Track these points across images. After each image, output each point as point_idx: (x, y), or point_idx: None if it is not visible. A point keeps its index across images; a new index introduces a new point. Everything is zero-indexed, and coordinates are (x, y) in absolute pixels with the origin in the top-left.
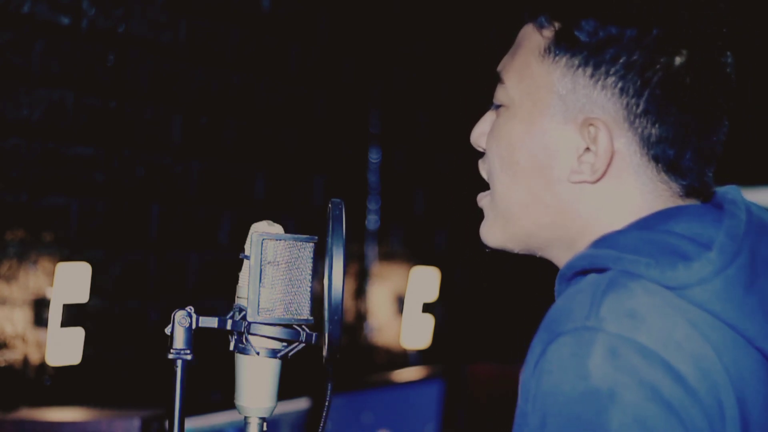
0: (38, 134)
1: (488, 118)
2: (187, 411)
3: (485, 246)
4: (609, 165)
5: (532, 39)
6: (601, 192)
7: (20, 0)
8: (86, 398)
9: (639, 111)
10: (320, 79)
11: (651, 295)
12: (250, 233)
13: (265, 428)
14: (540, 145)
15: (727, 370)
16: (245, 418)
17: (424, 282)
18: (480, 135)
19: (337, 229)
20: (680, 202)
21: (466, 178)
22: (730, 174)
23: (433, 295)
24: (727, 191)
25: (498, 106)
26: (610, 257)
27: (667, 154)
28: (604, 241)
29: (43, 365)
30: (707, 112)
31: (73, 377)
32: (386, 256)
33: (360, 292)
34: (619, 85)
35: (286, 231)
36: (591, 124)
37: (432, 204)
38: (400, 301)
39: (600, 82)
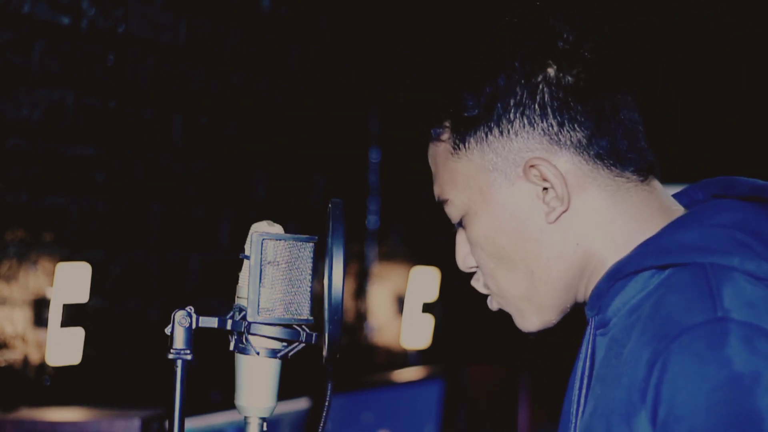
0: (38, 134)
1: (461, 240)
2: (187, 411)
3: (531, 334)
4: (567, 186)
5: (439, 151)
6: (580, 211)
7: (20, 0)
8: (86, 398)
9: (556, 129)
10: (320, 79)
11: (755, 286)
12: (250, 233)
13: (265, 428)
14: (507, 218)
15: None
16: (245, 418)
17: (424, 282)
18: (465, 258)
19: (337, 229)
20: (646, 187)
21: None
22: (730, 174)
23: (433, 295)
24: (741, 180)
25: (459, 225)
26: (694, 252)
27: (603, 146)
28: (659, 242)
29: (43, 365)
30: (602, 92)
31: (73, 377)
32: (386, 256)
33: (360, 292)
34: (525, 122)
35: (286, 231)
36: (531, 166)
37: (432, 204)
38: (400, 301)
39: (511, 132)
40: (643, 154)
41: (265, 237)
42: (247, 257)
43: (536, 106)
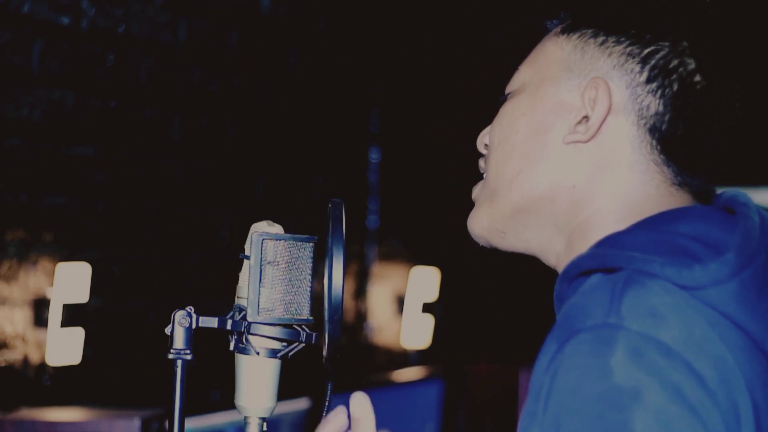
0: (38, 134)
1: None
2: (187, 411)
3: (473, 239)
4: (603, 122)
5: (550, 35)
6: (594, 156)
7: (20, 0)
8: (86, 398)
9: (641, 80)
10: (320, 79)
11: (669, 294)
12: (250, 233)
13: (265, 428)
14: (540, 111)
15: (743, 373)
16: (245, 418)
17: (424, 282)
18: (484, 134)
19: (337, 229)
20: (673, 191)
21: (466, 179)
22: (730, 174)
23: (433, 295)
24: (736, 194)
25: (504, 98)
26: (623, 257)
27: (661, 129)
28: (610, 242)
29: (43, 365)
30: (708, 104)
31: (73, 377)
32: (386, 256)
33: (360, 292)
34: (627, 50)
35: (286, 231)
36: (594, 86)
37: (432, 204)
38: (400, 301)
39: (608, 49)
40: (696, 174)
41: (265, 237)
42: (247, 257)
43: (645, 50)
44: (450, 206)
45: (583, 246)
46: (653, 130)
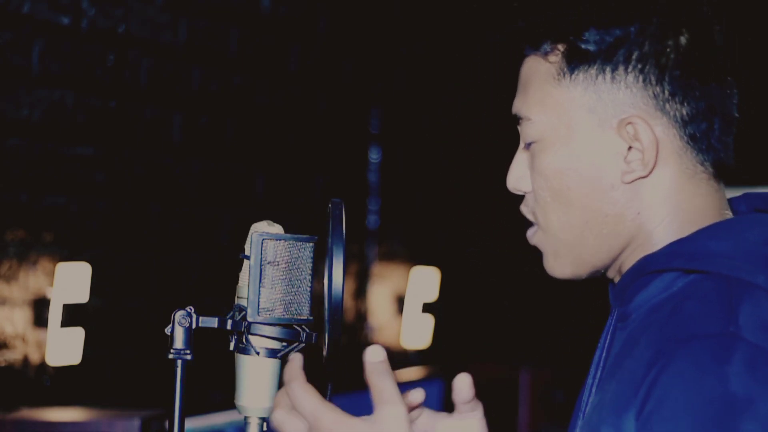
0: (38, 134)
1: (521, 160)
2: (187, 411)
3: (554, 277)
4: (657, 155)
5: (540, 69)
6: (655, 184)
7: (20, 0)
8: (86, 398)
9: (666, 95)
10: (320, 79)
11: None
12: (250, 233)
13: (265, 428)
14: (586, 162)
15: None
16: (245, 418)
17: (424, 282)
18: (518, 179)
19: (337, 229)
20: (714, 184)
21: (466, 179)
22: (730, 174)
23: (433, 295)
24: (760, 193)
25: (529, 145)
26: (721, 263)
27: (702, 129)
28: (690, 244)
29: (43, 365)
30: (721, 79)
31: (73, 377)
32: (386, 256)
33: (360, 292)
34: (640, 78)
35: (286, 231)
36: (628, 123)
37: (432, 204)
38: (400, 301)
39: (622, 83)
40: (728, 150)
41: (265, 237)
42: (247, 257)
43: (656, 68)
44: (450, 206)
45: (648, 248)
46: (693, 135)
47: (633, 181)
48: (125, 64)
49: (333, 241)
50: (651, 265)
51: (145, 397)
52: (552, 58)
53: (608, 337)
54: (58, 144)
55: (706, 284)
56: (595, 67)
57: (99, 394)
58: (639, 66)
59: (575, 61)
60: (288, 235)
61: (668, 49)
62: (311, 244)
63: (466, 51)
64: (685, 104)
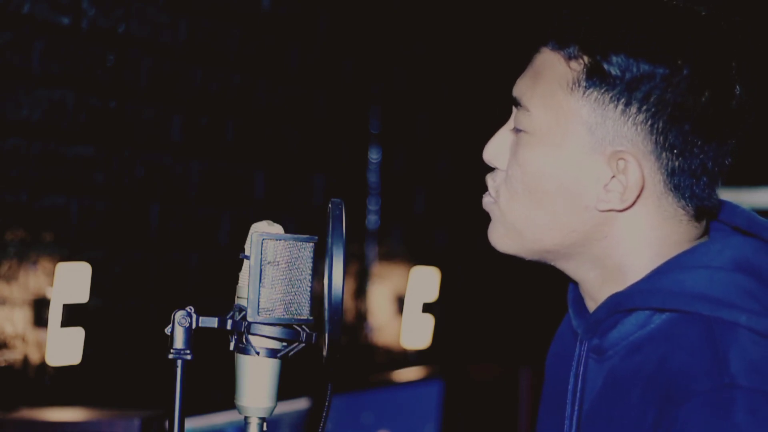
0: (38, 134)
1: (504, 136)
2: (187, 411)
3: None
4: (639, 196)
5: (557, 69)
6: (628, 219)
7: (20, 0)
8: (86, 398)
9: (666, 145)
10: (320, 79)
11: (757, 345)
12: (250, 233)
13: (265, 428)
14: (569, 174)
15: None
16: (245, 418)
17: (424, 282)
18: (497, 155)
19: (337, 229)
20: (695, 224)
21: (466, 178)
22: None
23: (433, 295)
24: (741, 211)
25: (518, 130)
26: (700, 305)
27: (688, 183)
28: (663, 280)
29: (43, 365)
30: (726, 142)
31: (73, 377)
32: (386, 256)
33: (360, 292)
34: (650, 122)
35: (286, 231)
36: (621, 158)
37: (432, 204)
38: (400, 301)
39: (631, 119)
40: (711, 198)
41: (265, 237)
42: (247, 257)
43: (669, 118)
44: (450, 206)
45: (620, 280)
46: (677, 185)
47: (607, 211)
48: (125, 64)
49: (333, 241)
50: (626, 303)
51: (145, 397)
52: (573, 64)
53: (581, 367)
54: (58, 144)
55: (688, 329)
56: (612, 93)
57: (99, 394)
58: (653, 110)
59: (595, 78)
60: (288, 235)
61: (687, 105)
62: (311, 244)
63: (466, 51)
64: (680, 158)
